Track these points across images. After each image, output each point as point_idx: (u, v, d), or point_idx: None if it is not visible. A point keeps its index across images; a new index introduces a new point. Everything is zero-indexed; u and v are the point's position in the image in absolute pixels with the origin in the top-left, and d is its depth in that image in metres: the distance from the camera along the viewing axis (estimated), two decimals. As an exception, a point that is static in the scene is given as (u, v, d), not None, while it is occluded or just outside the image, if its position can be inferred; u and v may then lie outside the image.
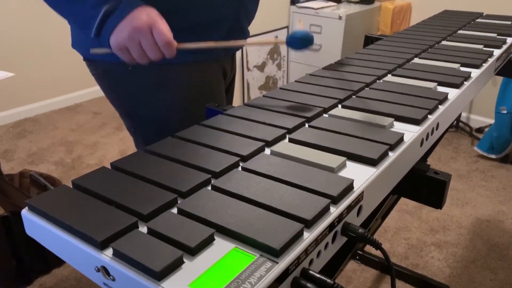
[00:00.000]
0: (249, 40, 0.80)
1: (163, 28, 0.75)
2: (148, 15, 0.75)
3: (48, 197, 0.50)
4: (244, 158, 0.59)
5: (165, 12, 0.79)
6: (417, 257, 1.77)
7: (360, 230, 0.50)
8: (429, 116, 0.73)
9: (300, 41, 0.78)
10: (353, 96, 0.81)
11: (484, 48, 1.11)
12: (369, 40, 1.39)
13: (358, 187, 0.53)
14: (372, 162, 0.58)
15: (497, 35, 1.24)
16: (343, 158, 0.58)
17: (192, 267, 0.41)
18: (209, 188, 0.53)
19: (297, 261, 0.43)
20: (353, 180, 0.53)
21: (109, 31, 0.76)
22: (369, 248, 1.74)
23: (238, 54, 1.15)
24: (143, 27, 0.74)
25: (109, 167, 0.58)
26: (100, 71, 0.98)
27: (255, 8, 1.06)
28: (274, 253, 0.42)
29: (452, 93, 0.83)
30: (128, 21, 0.74)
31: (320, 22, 2.81)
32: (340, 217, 0.49)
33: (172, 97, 0.97)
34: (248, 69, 2.86)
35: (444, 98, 0.79)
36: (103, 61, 0.96)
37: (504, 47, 1.14)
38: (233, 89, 1.21)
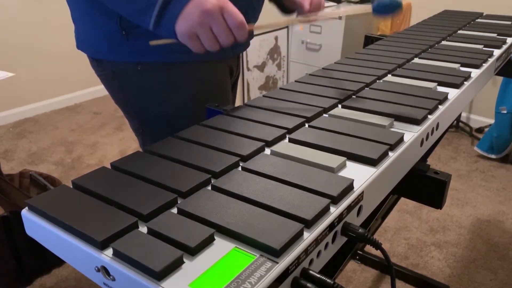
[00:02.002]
0: (319, 14, 0.77)
1: (235, 9, 0.69)
2: None
3: (48, 197, 0.50)
4: (244, 158, 0.59)
5: None
6: (417, 257, 1.77)
7: (360, 230, 0.50)
8: (429, 116, 0.73)
9: (387, 8, 0.76)
10: (353, 96, 0.81)
11: (484, 48, 1.11)
12: (369, 40, 1.39)
13: (358, 187, 0.53)
14: (372, 162, 0.58)
15: (497, 35, 1.24)
16: (343, 158, 0.58)
17: (192, 267, 0.41)
18: (209, 188, 0.53)
19: (297, 261, 0.43)
20: (353, 180, 0.53)
21: (174, 18, 0.69)
22: (369, 248, 1.74)
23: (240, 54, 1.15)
24: (214, 10, 0.67)
25: (109, 167, 0.58)
26: (109, 72, 0.98)
27: (260, 7, 1.06)
28: (274, 253, 0.42)
29: (452, 93, 0.83)
30: (196, 5, 0.68)
31: (320, 22, 2.81)
32: (340, 217, 0.49)
33: (182, 96, 0.97)
34: (248, 69, 2.86)
35: (444, 98, 0.79)
36: (113, 62, 0.96)
37: (504, 47, 1.14)
38: (236, 88, 1.21)
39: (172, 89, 0.97)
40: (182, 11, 0.69)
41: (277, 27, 0.82)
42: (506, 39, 1.19)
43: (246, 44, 1.10)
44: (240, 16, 0.69)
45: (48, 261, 1.67)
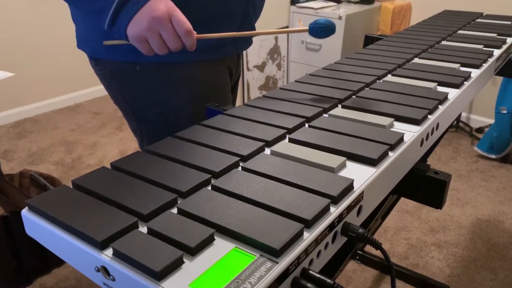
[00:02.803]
0: (261, 32, 0.80)
1: (183, 17, 0.73)
2: (165, 4, 0.73)
3: (48, 197, 0.50)
4: (244, 158, 0.59)
5: (177, 6, 0.78)
6: (417, 257, 1.77)
7: (360, 230, 0.50)
8: (429, 116, 0.73)
9: (322, 30, 0.78)
10: (353, 96, 0.81)
11: (484, 48, 1.11)
12: (369, 40, 1.39)
13: (358, 187, 0.53)
14: (372, 162, 0.58)
15: (497, 35, 1.24)
16: (343, 158, 0.58)
17: (192, 267, 0.41)
18: (209, 188, 0.53)
19: (297, 261, 0.43)
20: (353, 180, 0.53)
21: (126, 21, 0.74)
22: (369, 248, 1.74)
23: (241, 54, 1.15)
24: (162, 17, 0.72)
25: (109, 167, 0.58)
26: (108, 71, 0.98)
27: (262, 4, 1.06)
28: (274, 253, 0.42)
29: (452, 93, 0.83)
30: (146, 11, 0.72)
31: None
32: (340, 217, 0.49)
33: (181, 96, 0.97)
34: (248, 69, 2.86)
35: (444, 98, 0.79)
36: (112, 61, 0.96)
37: (504, 47, 1.14)
38: (237, 89, 1.21)
39: (170, 89, 0.96)
40: (134, 15, 0.73)
41: (224, 36, 0.85)
42: (506, 39, 1.19)
43: (249, 42, 1.10)
44: (187, 24, 0.73)
45: (48, 261, 1.67)
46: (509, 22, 1.42)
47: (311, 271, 0.44)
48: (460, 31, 1.30)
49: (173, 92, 0.97)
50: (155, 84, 0.96)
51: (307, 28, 0.79)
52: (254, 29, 1.09)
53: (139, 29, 0.73)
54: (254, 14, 1.05)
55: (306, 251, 0.44)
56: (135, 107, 1.00)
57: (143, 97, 0.98)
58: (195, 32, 0.75)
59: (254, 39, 1.19)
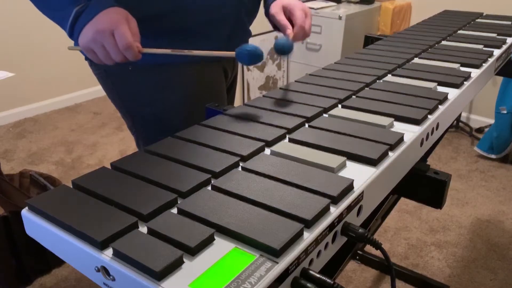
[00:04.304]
0: (196, 52, 0.80)
1: (125, 31, 0.75)
2: (111, 18, 0.75)
3: (48, 197, 0.50)
4: (244, 158, 0.59)
5: (158, 14, 0.79)
6: (417, 257, 1.77)
7: (360, 230, 0.50)
8: (429, 116, 0.73)
9: (248, 56, 0.73)
10: (353, 96, 0.81)
11: (484, 48, 1.11)
12: (369, 40, 1.39)
13: (358, 187, 0.53)
14: (372, 162, 0.58)
15: (497, 35, 1.24)
16: (343, 158, 0.58)
17: (192, 267, 0.41)
18: (209, 188, 0.53)
19: (297, 261, 0.43)
20: (353, 180, 0.53)
21: (78, 32, 0.78)
22: (369, 248, 1.74)
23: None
24: (104, 30, 0.75)
25: (109, 167, 0.58)
26: (102, 71, 0.99)
27: (256, 7, 1.06)
28: (274, 253, 0.42)
29: (452, 93, 0.83)
30: (92, 24, 0.76)
31: (320, 22, 2.81)
32: (340, 217, 0.49)
33: (174, 97, 0.97)
34: (248, 69, 2.86)
35: (444, 98, 0.79)
36: None
37: (504, 47, 1.14)
38: (234, 89, 1.21)
39: (163, 89, 0.97)
40: (83, 27, 0.77)
41: (167, 53, 0.84)
42: (506, 39, 1.19)
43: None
44: (127, 39, 0.75)
45: (48, 261, 1.67)
46: (509, 22, 1.42)
47: (311, 271, 0.44)
48: (460, 31, 1.30)
49: (167, 92, 0.97)
50: (149, 85, 0.96)
51: (234, 52, 0.75)
52: (250, 33, 1.10)
53: (86, 40, 0.77)
54: (248, 18, 1.05)
55: (306, 251, 0.44)
56: (129, 106, 1.01)
57: (137, 97, 0.98)
58: (137, 46, 0.77)
59: (254, 39, 1.19)
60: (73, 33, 0.80)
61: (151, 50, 0.80)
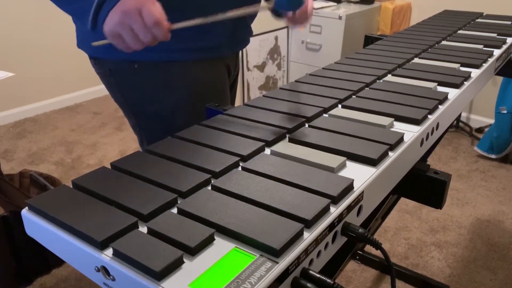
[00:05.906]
0: (230, 13, 0.77)
1: (152, 8, 0.73)
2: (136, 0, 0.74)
3: (48, 197, 0.50)
4: (244, 158, 0.59)
5: (168, 10, 0.78)
6: (417, 257, 1.77)
7: (360, 230, 0.50)
8: (429, 116, 0.73)
9: (288, 2, 0.72)
10: (353, 96, 0.81)
11: (484, 48, 1.11)
12: (369, 40, 1.39)
13: (358, 187, 0.53)
14: (372, 162, 0.58)
15: (497, 35, 1.24)
16: (343, 158, 0.58)
17: (192, 267, 0.41)
18: (209, 188, 0.53)
19: (297, 261, 0.43)
20: (353, 180, 0.53)
21: (102, 20, 0.76)
22: (369, 248, 1.74)
23: (239, 53, 1.16)
24: (131, 10, 0.73)
25: (109, 167, 0.58)
26: (107, 70, 0.99)
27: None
28: (274, 253, 0.42)
29: (452, 93, 0.83)
30: (118, 7, 0.74)
31: (320, 22, 2.81)
32: (340, 217, 0.49)
33: (178, 95, 0.98)
34: (248, 69, 2.86)
35: (444, 98, 0.79)
36: (110, 60, 0.96)
37: (504, 47, 1.14)
38: (235, 88, 1.22)
39: (168, 87, 0.97)
40: (108, 13, 0.74)
41: (198, 24, 0.81)
42: (506, 39, 1.19)
43: (245, 41, 1.10)
44: (156, 15, 0.72)
45: (48, 261, 1.67)
46: (509, 22, 1.42)
47: (311, 271, 0.44)
48: (460, 31, 1.30)
49: (171, 90, 0.97)
50: (153, 83, 0.96)
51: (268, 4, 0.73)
52: (251, 31, 1.10)
53: (112, 25, 0.74)
54: (251, 17, 1.05)
55: (306, 251, 0.44)
56: (134, 105, 1.01)
57: (141, 96, 0.98)
58: (167, 23, 0.74)
59: (254, 39, 1.19)
60: (97, 22, 0.77)
61: (182, 24, 0.77)
